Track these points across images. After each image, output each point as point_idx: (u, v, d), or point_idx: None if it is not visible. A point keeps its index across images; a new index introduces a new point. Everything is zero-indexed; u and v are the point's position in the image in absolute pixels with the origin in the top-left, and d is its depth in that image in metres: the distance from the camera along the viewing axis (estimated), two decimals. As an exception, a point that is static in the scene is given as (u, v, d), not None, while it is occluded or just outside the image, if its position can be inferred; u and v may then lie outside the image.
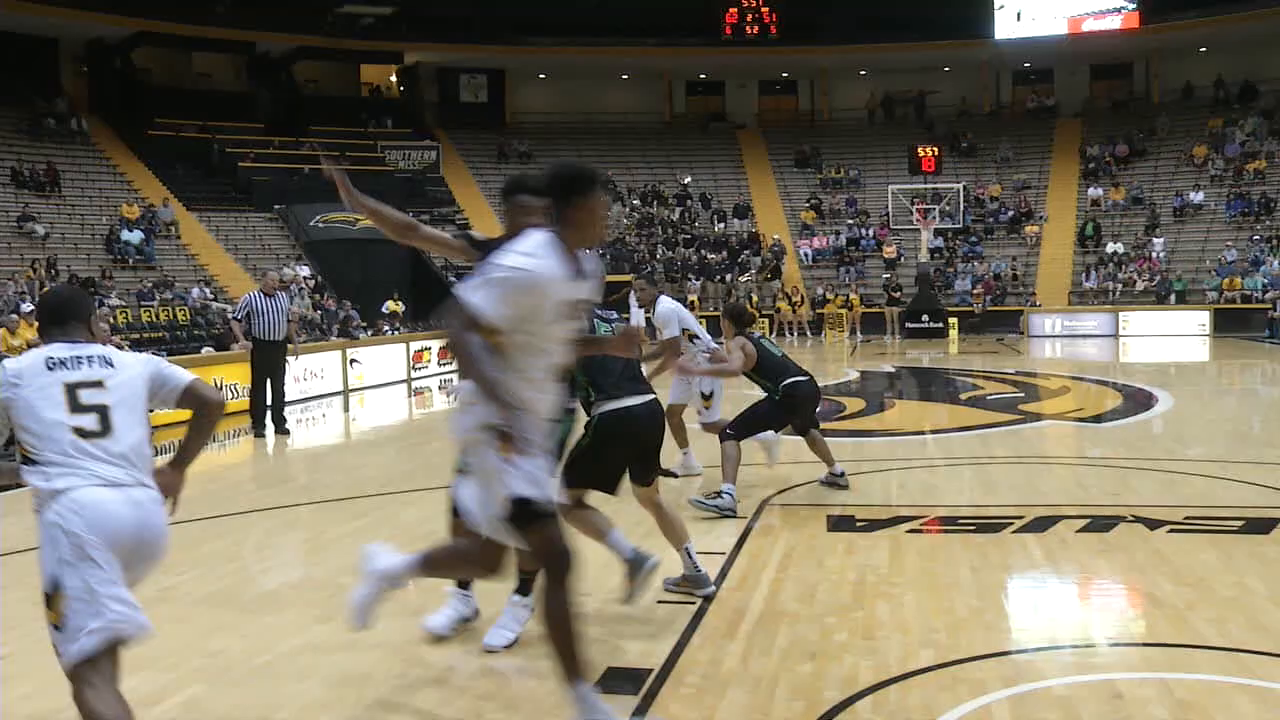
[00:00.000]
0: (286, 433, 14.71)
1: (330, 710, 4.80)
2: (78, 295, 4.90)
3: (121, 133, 36.82)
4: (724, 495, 8.52)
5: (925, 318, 34.84)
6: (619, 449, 6.04)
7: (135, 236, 30.39)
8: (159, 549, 4.22)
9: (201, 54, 40.75)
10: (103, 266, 28.02)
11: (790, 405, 9.14)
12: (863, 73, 46.26)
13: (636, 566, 5.74)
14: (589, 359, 5.83)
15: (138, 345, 18.92)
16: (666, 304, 9.96)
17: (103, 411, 4.14)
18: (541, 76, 46.43)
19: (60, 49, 38.28)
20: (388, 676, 5.16)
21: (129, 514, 4.04)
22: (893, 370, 23.78)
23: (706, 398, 10.12)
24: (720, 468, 8.80)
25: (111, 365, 4.28)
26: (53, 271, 25.82)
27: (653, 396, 6.16)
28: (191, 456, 4.46)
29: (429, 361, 24.10)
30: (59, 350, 4.25)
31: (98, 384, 4.19)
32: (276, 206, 35.11)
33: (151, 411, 4.37)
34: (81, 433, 4.09)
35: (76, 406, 4.13)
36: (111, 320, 19.15)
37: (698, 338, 10.14)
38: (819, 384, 9.67)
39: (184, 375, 4.43)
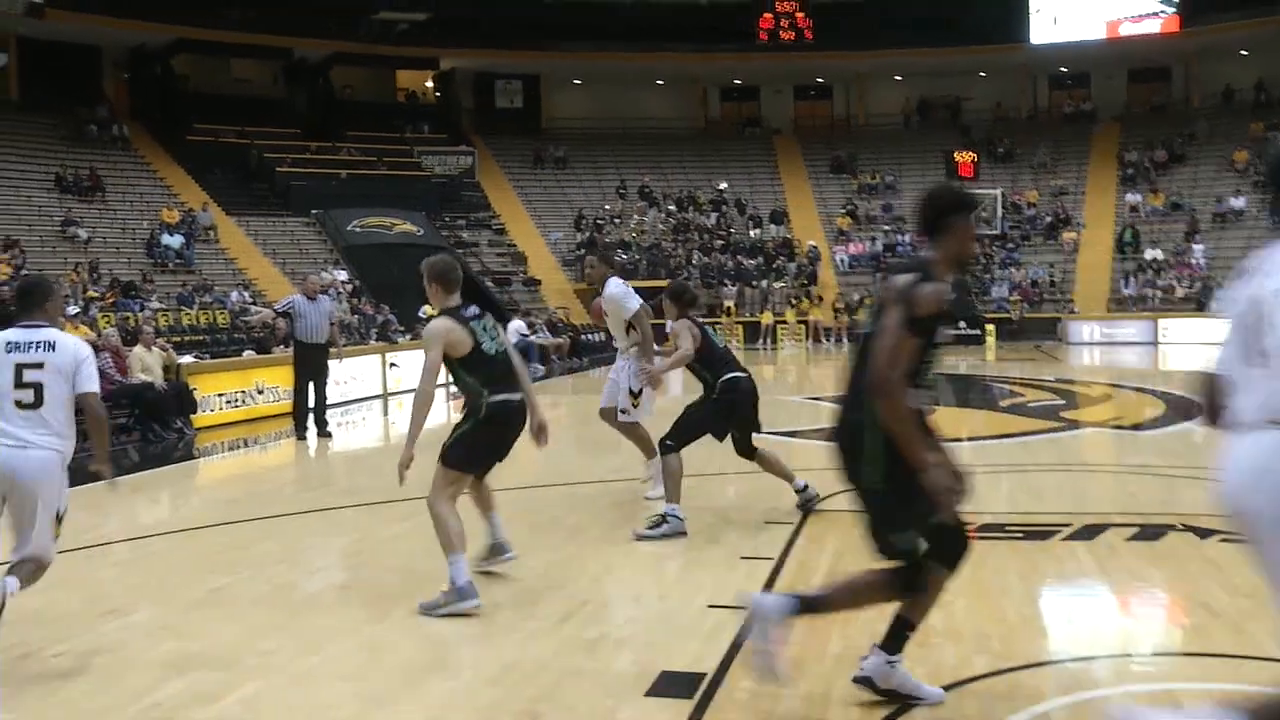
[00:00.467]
0: (328, 435, 14.79)
1: (386, 708, 4.82)
2: (37, 283, 6.16)
3: (161, 138, 37.16)
4: (669, 520, 7.92)
5: (962, 324, 34.69)
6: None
7: (175, 240, 30.67)
8: (31, 488, 5.48)
9: (239, 60, 41.17)
10: (143, 270, 28.28)
11: (729, 405, 8.50)
12: (898, 78, 46.18)
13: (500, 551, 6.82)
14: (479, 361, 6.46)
15: (179, 348, 19.03)
16: (617, 285, 9.24)
17: (38, 388, 5.50)
18: (576, 82, 46.52)
19: (103, 56, 38.69)
20: (444, 676, 5.18)
21: (13, 463, 5.43)
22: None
23: (635, 395, 9.20)
24: (663, 486, 8.28)
25: (53, 349, 5.58)
26: (95, 274, 26.07)
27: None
28: (105, 452, 5.99)
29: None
30: (16, 334, 5.59)
31: (39, 365, 5.52)
32: (314, 211, 35.35)
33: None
34: (20, 404, 5.48)
35: (20, 383, 5.49)
36: (154, 323, 19.29)
37: (634, 328, 9.25)
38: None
39: (92, 385, 5.69)
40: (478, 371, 6.50)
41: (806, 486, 8.81)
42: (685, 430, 8.36)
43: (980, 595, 6.30)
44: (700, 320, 8.76)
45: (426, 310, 29.59)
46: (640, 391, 9.16)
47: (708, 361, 8.53)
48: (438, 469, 6.47)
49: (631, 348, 9.22)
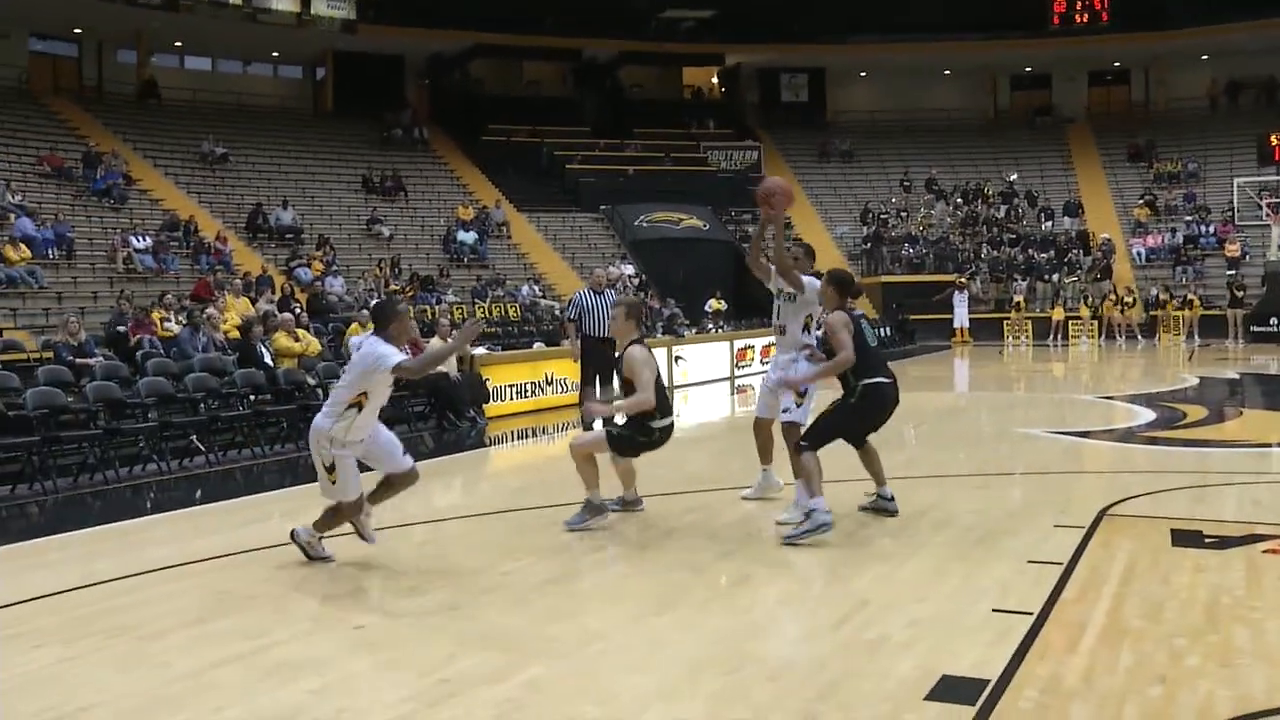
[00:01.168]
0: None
1: (666, 699, 4.88)
2: (380, 306, 8.48)
3: (458, 140, 38.84)
4: (813, 514, 7.67)
5: (1274, 321, 32.47)
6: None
7: (470, 237, 31.99)
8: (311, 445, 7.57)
9: (531, 63, 42.52)
10: (440, 265, 29.61)
11: (866, 409, 8.14)
12: (1204, 57, 43.39)
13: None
14: None
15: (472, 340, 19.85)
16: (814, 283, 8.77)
17: (339, 376, 8.07)
18: (862, 75, 45.95)
19: (405, 65, 40.77)
20: (722, 670, 5.20)
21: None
22: (1236, 377, 22.28)
23: (801, 394, 8.73)
24: (801, 485, 8.01)
25: (359, 350, 7.49)
26: (396, 270, 27.47)
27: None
28: (450, 349, 9.60)
29: (752, 360, 24.25)
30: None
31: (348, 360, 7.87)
32: (602, 207, 36.20)
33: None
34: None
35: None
36: (449, 316, 20.18)
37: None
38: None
39: (390, 362, 7.24)
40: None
41: (893, 498, 8.52)
42: (821, 432, 8.12)
43: (1294, 614, 5.88)
44: (856, 314, 8.24)
45: (713, 305, 29.92)
46: (806, 391, 8.76)
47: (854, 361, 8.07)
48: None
49: (804, 350, 8.80)
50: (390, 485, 7.75)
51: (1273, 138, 38.45)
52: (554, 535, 8.33)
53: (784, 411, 8.82)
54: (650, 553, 7.82)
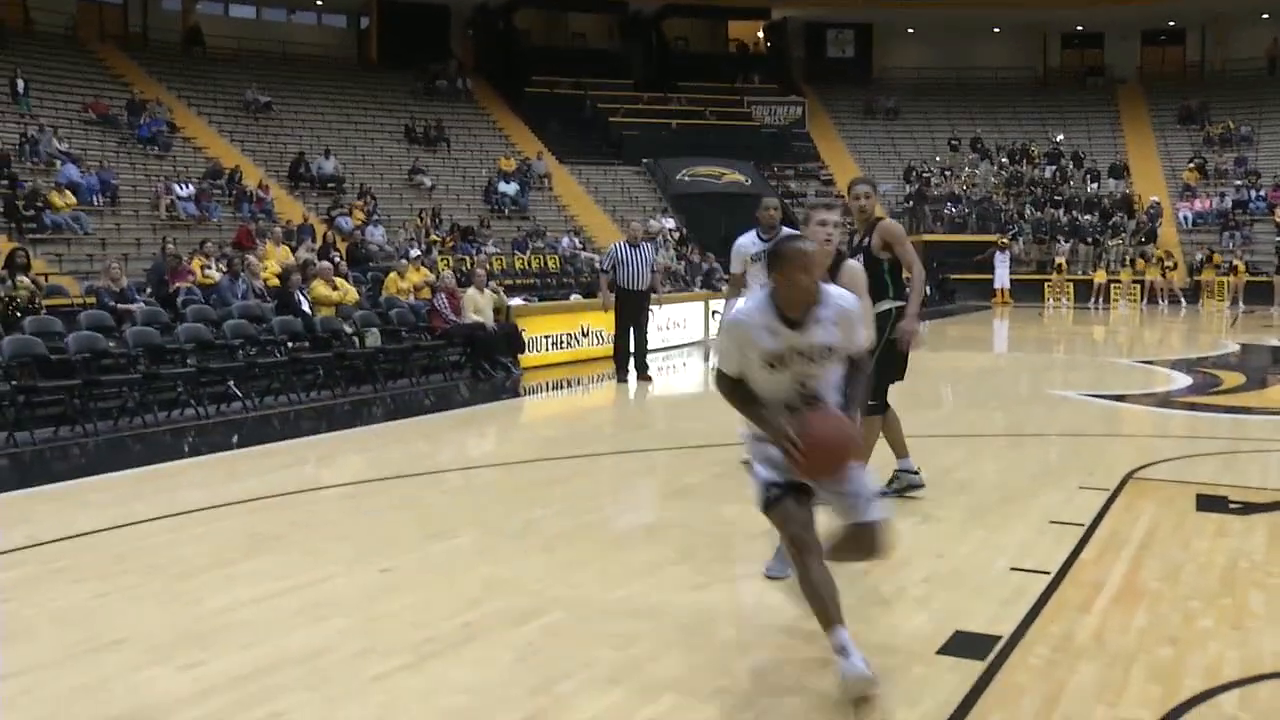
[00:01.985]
0: (649, 379, 15.22)
1: (678, 646, 4.97)
2: (773, 245, 4.86)
3: (502, 91, 38.82)
4: (900, 475, 7.61)
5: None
6: None
7: (511, 188, 32.07)
8: None
9: (576, 14, 42.38)
10: (481, 216, 29.73)
11: (896, 340, 7.31)
12: (1265, 16, 42.53)
13: None
14: None
15: (511, 291, 19.98)
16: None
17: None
18: (910, 31, 45.46)
19: (450, 15, 40.72)
20: (735, 620, 5.31)
21: None
22: (1278, 344, 22.06)
23: None
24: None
25: None
26: (436, 220, 27.60)
27: None
28: None
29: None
30: None
31: None
32: (644, 160, 36.13)
33: None
34: None
35: None
36: (487, 266, 20.30)
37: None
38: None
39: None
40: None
41: (918, 471, 7.73)
42: (879, 387, 7.22)
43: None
44: None
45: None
46: None
47: (898, 277, 7.42)
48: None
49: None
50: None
51: (1329, 101, 37.79)
52: (583, 484, 8.44)
53: None
54: (675, 504, 7.91)
